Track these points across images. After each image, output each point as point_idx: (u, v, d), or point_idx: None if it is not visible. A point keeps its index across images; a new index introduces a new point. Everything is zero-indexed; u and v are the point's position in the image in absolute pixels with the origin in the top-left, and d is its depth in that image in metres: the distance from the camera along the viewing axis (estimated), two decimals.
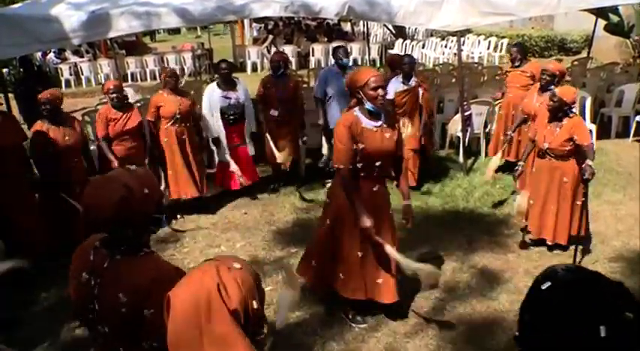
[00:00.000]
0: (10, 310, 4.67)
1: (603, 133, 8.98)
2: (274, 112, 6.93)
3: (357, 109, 3.94)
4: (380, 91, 3.82)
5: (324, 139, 7.33)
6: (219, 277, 1.55)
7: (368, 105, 3.86)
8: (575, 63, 11.97)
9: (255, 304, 1.59)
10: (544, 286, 1.31)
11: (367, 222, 3.88)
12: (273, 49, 16.27)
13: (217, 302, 1.51)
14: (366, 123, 3.89)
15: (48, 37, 6.28)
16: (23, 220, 5.14)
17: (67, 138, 5.48)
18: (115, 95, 6.03)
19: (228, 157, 6.68)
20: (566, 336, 1.22)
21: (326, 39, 19.83)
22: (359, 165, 3.93)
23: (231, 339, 1.51)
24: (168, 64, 17.43)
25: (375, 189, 4.06)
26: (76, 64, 17.61)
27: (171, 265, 2.07)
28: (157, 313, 1.88)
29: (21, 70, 10.28)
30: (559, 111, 4.99)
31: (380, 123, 3.94)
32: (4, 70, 9.57)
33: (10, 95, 7.71)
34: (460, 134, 7.74)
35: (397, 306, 4.38)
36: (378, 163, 3.98)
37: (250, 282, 1.60)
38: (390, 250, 3.99)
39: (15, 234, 5.00)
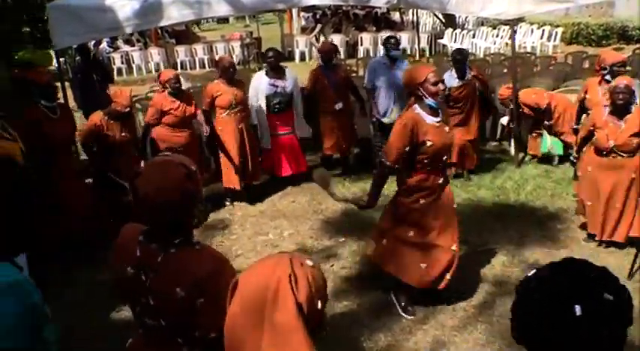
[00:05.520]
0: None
1: None
2: (339, 105, 6.94)
3: (416, 106, 3.92)
4: (440, 86, 3.86)
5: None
6: (291, 268, 1.53)
7: (429, 101, 3.87)
8: (638, 52, 11.55)
9: (319, 305, 1.56)
10: (530, 274, 1.36)
11: (372, 205, 4.17)
12: (322, 39, 16.24)
13: (286, 291, 1.50)
14: (430, 119, 3.89)
15: (103, 26, 6.43)
16: (73, 208, 5.26)
17: (123, 134, 5.61)
18: (177, 86, 6.16)
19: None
20: (544, 315, 1.25)
21: (374, 28, 19.69)
22: (426, 160, 3.92)
23: (292, 329, 1.49)
24: (217, 53, 17.60)
25: (440, 181, 4.07)
26: (127, 53, 17.97)
27: (225, 258, 2.06)
28: (208, 303, 1.88)
29: (77, 59, 10.52)
30: (629, 102, 4.83)
31: (440, 118, 3.96)
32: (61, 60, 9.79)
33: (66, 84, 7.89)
34: (512, 125, 7.59)
35: (446, 298, 4.36)
36: (444, 158, 4.03)
37: (319, 281, 1.58)
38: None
39: (64, 221, 5.13)
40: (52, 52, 7.01)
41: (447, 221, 4.16)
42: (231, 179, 6.50)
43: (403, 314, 4.33)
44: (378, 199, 4.18)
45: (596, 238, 5.23)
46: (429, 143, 3.84)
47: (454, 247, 4.17)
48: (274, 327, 1.49)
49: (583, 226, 5.45)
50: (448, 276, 4.19)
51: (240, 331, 1.56)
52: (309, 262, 1.59)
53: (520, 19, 16.70)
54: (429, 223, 4.10)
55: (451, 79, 6.69)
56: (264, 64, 7.08)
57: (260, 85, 6.70)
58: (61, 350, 2.30)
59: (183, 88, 6.67)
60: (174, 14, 6.50)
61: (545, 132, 7.23)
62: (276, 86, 6.69)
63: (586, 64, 10.68)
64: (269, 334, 1.49)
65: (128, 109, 5.64)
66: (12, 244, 1.93)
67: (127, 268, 2.04)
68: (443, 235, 4.13)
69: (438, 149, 3.90)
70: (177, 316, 1.98)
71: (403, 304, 4.38)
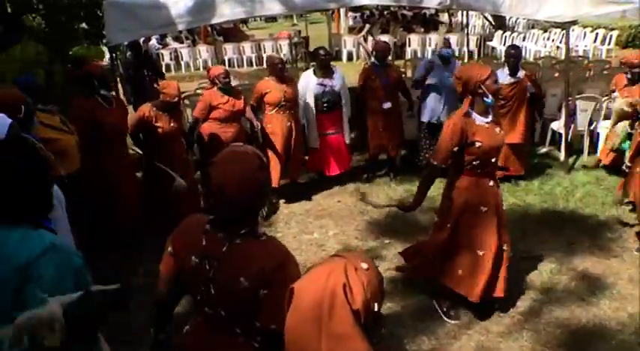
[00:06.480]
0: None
1: None
2: (387, 105, 6.88)
3: (468, 106, 3.90)
4: (497, 85, 3.90)
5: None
6: (346, 276, 1.52)
7: (489, 99, 3.85)
8: None
9: (376, 307, 1.55)
10: None
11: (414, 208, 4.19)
12: (370, 39, 16.17)
13: (341, 302, 1.49)
14: (480, 120, 3.88)
15: (156, 23, 6.54)
16: (123, 198, 5.36)
17: (172, 124, 5.69)
18: (226, 81, 6.19)
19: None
20: None
21: (422, 29, 19.53)
22: (475, 162, 3.89)
23: (351, 339, 1.49)
24: (264, 51, 17.73)
25: (490, 184, 4.04)
26: (176, 50, 18.31)
27: (289, 251, 2.07)
28: (270, 294, 1.90)
29: (127, 54, 10.74)
30: None
31: (490, 118, 3.93)
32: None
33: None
34: (562, 131, 7.44)
35: (491, 305, 4.31)
36: (493, 160, 3.98)
37: (375, 284, 1.56)
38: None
39: (113, 211, 5.24)
40: (105, 48, 7.15)
41: (500, 227, 4.13)
42: (276, 175, 6.49)
43: (445, 319, 4.31)
44: (422, 200, 4.16)
45: None
46: (477, 144, 3.82)
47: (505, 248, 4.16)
48: (332, 337, 1.49)
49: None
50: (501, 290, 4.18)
51: (300, 341, 1.57)
52: (364, 265, 1.57)
53: (573, 22, 16.36)
54: (481, 231, 4.07)
55: (502, 75, 6.55)
56: (312, 63, 7.09)
57: (309, 84, 6.71)
58: (109, 340, 2.37)
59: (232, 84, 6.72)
60: (226, 12, 6.56)
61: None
62: (325, 85, 6.69)
63: None
64: (327, 344, 1.50)
65: (177, 98, 5.66)
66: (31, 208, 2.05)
67: (191, 257, 2.08)
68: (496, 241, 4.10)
69: (486, 150, 3.86)
70: (238, 306, 2.01)
71: (445, 309, 4.36)
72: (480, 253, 4.07)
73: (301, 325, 1.55)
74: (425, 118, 7.00)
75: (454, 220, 4.09)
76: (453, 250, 4.15)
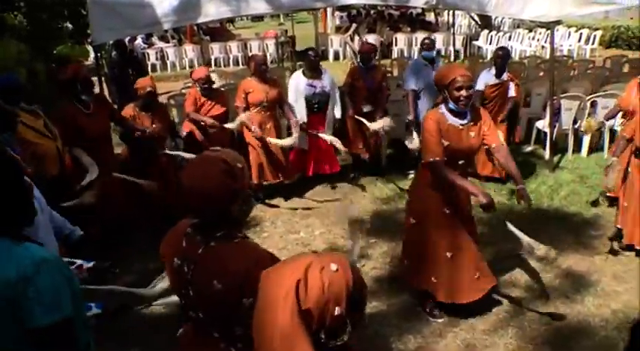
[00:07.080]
0: None
1: None
2: (367, 108, 6.87)
3: (442, 106, 3.90)
4: (463, 92, 3.73)
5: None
6: (304, 274, 1.48)
7: (451, 105, 3.82)
8: None
9: (337, 311, 1.48)
10: None
11: (483, 197, 3.71)
12: (357, 38, 16.19)
13: (291, 298, 1.46)
14: (452, 120, 3.85)
15: (141, 22, 6.52)
16: (112, 200, 5.27)
17: (154, 125, 5.65)
18: (205, 86, 6.26)
19: (327, 136, 6.58)
20: None
21: (409, 29, 19.59)
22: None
23: (290, 337, 1.45)
24: (251, 51, 17.70)
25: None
26: (162, 50, 18.22)
27: (266, 252, 2.04)
28: (254, 302, 1.89)
29: (112, 54, 10.67)
30: None
31: (465, 121, 3.89)
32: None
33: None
34: (547, 129, 7.49)
35: (477, 302, 4.30)
36: (460, 162, 3.95)
37: (339, 287, 1.49)
38: (510, 226, 4.09)
39: (102, 214, 5.19)
40: (90, 47, 7.10)
41: (466, 228, 4.14)
42: (259, 174, 6.49)
43: (430, 319, 4.33)
44: (471, 187, 3.86)
45: (636, 246, 5.07)
46: (445, 143, 3.82)
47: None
48: (279, 331, 1.47)
49: (614, 238, 5.36)
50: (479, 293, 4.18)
51: (260, 329, 1.56)
52: (334, 266, 1.50)
53: (557, 22, 16.47)
54: (448, 233, 4.08)
55: (488, 76, 6.66)
56: (299, 63, 7.08)
57: (299, 85, 6.69)
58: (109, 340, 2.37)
59: (217, 85, 6.71)
60: (211, 11, 6.55)
61: None
62: (315, 87, 6.67)
63: (625, 68, 10.47)
64: (277, 337, 1.48)
65: (150, 88, 5.65)
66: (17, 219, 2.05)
67: (174, 258, 2.09)
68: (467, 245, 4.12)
69: (452, 151, 3.85)
70: (214, 310, 2.00)
71: (428, 309, 4.37)
72: (449, 255, 4.07)
73: (262, 313, 1.54)
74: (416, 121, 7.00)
75: (416, 218, 4.14)
76: (423, 253, 4.17)
